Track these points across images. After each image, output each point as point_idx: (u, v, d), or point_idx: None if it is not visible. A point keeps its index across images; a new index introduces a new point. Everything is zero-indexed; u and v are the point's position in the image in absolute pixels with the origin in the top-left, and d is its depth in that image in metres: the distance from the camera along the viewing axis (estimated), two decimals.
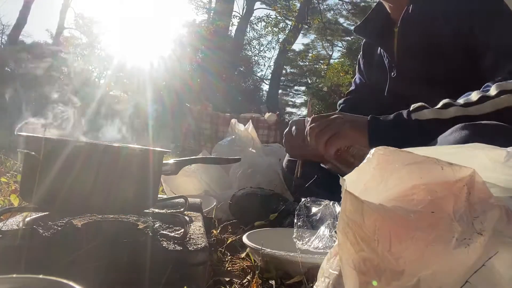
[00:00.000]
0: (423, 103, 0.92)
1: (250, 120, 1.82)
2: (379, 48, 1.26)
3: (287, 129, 1.23)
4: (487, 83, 0.91)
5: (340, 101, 1.44)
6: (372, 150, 0.41)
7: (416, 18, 1.09)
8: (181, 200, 0.86)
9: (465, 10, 1.00)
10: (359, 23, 1.29)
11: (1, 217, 0.73)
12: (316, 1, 14.66)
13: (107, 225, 0.70)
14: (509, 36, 0.95)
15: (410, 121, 0.91)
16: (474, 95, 0.88)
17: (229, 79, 12.09)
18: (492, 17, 0.98)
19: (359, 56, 1.40)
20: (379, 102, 1.22)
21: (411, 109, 0.92)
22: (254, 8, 14.99)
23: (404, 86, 1.15)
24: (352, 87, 1.44)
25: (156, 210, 0.79)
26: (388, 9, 1.20)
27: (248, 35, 16.35)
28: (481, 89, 0.89)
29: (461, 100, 0.89)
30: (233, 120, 1.72)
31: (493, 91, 0.86)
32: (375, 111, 0.99)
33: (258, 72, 17.36)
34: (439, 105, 0.90)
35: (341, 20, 16.84)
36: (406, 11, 1.11)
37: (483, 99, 0.86)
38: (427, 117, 0.89)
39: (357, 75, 1.43)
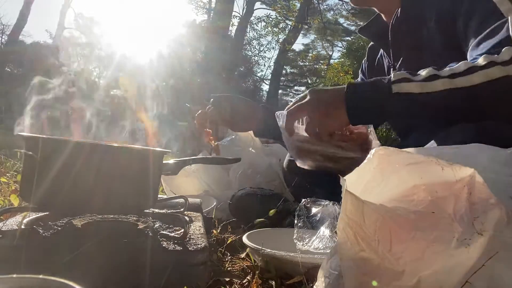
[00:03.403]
0: (404, 73, 0.83)
1: None
2: (381, 50, 1.28)
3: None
4: (474, 57, 0.85)
5: None
6: (373, 150, 0.41)
7: (404, 22, 1.10)
8: (181, 200, 0.86)
9: (448, 8, 0.99)
10: (364, 24, 1.31)
11: (1, 217, 0.73)
12: (316, 1, 14.66)
13: (107, 225, 0.70)
14: (489, 20, 0.89)
15: (387, 95, 0.82)
16: (462, 65, 0.81)
17: (229, 79, 12.09)
18: (473, 5, 0.94)
19: (364, 60, 1.43)
20: None
21: (392, 79, 0.83)
22: (254, 8, 14.99)
23: None
24: None
25: (156, 210, 0.79)
26: (383, 17, 1.22)
27: (248, 35, 16.38)
28: (468, 61, 0.83)
29: (447, 70, 0.82)
30: None
31: (482, 61, 0.79)
32: None
33: (258, 72, 17.38)
34: (422, 76, 0.82)
35: (341, 20, 16.87)
36: (395, 16, 1.12)
37: (472, 70, 0.79)
38: (406, 90, 0.81)
39: (359, 76, 1.45)
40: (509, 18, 0.83)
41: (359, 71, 1.47)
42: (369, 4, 1.22)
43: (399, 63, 1.17)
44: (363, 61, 1.42)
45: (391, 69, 1.20)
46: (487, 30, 0.88)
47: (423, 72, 0.83)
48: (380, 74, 1.24)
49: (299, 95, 0.93)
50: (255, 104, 1.26)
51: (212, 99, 1.23)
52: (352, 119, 0.85)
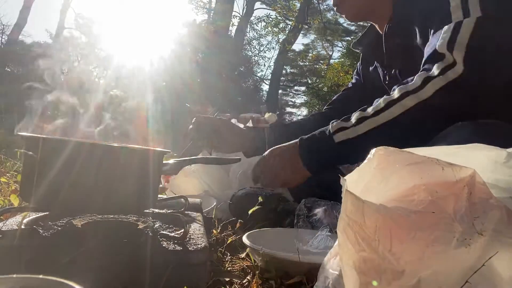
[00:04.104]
0: (339, 122, 0.96)
1: (250, 120, 1.81)
2: (375, 62, 1.30)
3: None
4: (395, 86, 0.93)
5: (334, 98, 1.49)
6: (373, 150, 0.41)
7: (396, 31, 1.11)
8: (181, 200, 0.86)
9: (427, 15, 0.99)
10: (357, 38, 1.34)
11: (1, 217, 0.73)
12: (316, 1, 14.66)
13: (107, 225, 0.70)
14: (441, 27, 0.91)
15: (333, 146, 0.95)
16: (382, 101, 0.91)
17: (229, 79, 12.09)
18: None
19: (358, 63, 1.44)
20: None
21: (331, 131, 0.96)
22: (254, 8, 14.99)
23: None
24: (349, 85, 1.47)
25: (156, 210, 0.79)
26: (376, 27, 1.22)
27: (248, 35, 16.37)
28: (388, 94, 0.93)
29: (370, 109, 0.92)
30: (233, 120, 1.72)
31: (396, 93, 0.89)
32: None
33: (258, 72, 17.37)
34: (353, 121, 0.93)
35: (341, 20, 16.81)
36: (388, 27, 1.13)
37: (390, 104, 0.89)
38: (345, 137, 0.94)
39: (354, 77, 1.46)
40: (443, 28, 0.86)
41: (354, 72, 1.47)
42: (363, 18, 1.23)
43: (393, 71, 1.18)
44: (358, 64, 1.44)
45: (387, 77, 1.21)
46: (430, 39, 0.93)
47: (353, 117, 0.94)
48: (376, 82, 1.27)
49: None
50: (237, 127, 1.27)
51: (194, 119, 1.24)
52: (311, 171, 1.01)
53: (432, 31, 0.93)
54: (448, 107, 0.84)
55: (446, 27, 0.86)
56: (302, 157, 1.00)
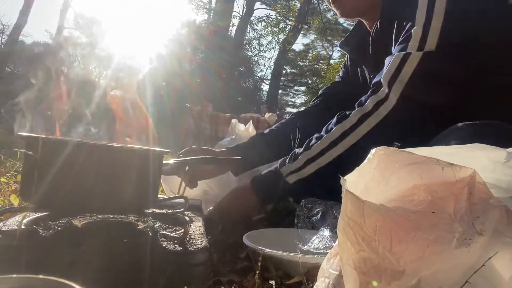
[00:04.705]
0: (287, 166, 1.02)
1: (251, 120, 1.81)
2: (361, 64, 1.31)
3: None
4: (333, 119, 1.00)
5: (320, 92, 1.50)
6: (373, 150, 0.41)
7: (383, 34, 1.11)
8: (181, 200, 0.86)
9: (399, 27, 1.01)
10: (343, 38, 1.36)
11: (1, 217, 0.73)
12: (316, 1, 14.65)
13: (107, 225, 0.70)
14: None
15: (288, 186, 1.01)
16: (324, 140, 0.98)
17: (229, 79, 12.09)
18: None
19: (347, 56, 1.44)
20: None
21: (282, 174, 1.02)
22: (254, 8, 14.99)
23: None
24: (337, 79, 1.48)
25: (156, 210, 0.79)
26: (366, 26, 1.22)
27: (248, 35, 16.37)
28: (326, 128, 1.00)
29: (314, 149, 0.99)
30: (234, 120, 1.72)
31: (336, 133, 0.96)
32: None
33: (258, 72, 17.37)
34: (301, 162, 1.00)
35: (341, 20, 16.82)
36: (375, 26, 1.14)
37: (332, 144, 0.96)
38: (297, 178, 1.00)
39: (341, 70, 1.46)
40: (394, 56, 0.91)
41: (342, 65, 1.48)
42: (356, 16, 1.23)
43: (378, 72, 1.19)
44: (346, 58, 1.44)
45: (373, 78, 1.22)
46: (385, 61, 0.97)
47: (300, 157, 1.00)
48: (362, 80, 1.28)
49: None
50: (223, 152, 1.26)
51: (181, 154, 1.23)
52: (263, 203, 1.06)
53: (397, 44, 0.97)
54: (385, 139, 0.88)
55: (396, 55, 0.91)
56: (256, 193, 1.05)
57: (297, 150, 1.04)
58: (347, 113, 0.97)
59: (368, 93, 0.97)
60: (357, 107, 0.96)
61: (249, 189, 1.06)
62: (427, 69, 0.88)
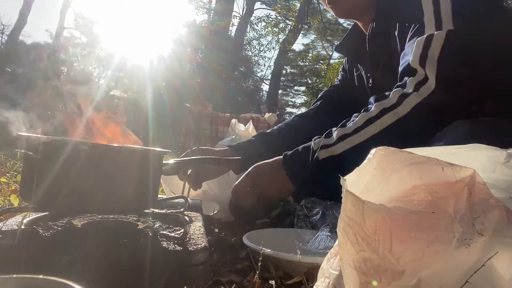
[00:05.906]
0: (321, 139, 0.99)
1: (251, 120, 1.81)
2: (358, 65, 1.31)
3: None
4: (371, 99, 0.97)
5: (320, 95, 1.50)
6: (373, 150, 0.41)
7: (378, 34, 1.12)
8: (181, 200, 0.86)
9: (403, 23, 1.00)
10: (339, 41, 1.37)
11: (1, 217, 0.73)
12: (316, 1, 14.65)
13: (107, 225, 0.70)
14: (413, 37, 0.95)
15: (317, 163, 0.97)
16: (361, 118, 0.94)
17: (229, 79, 12.10)
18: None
19: (345, 59, 1.44)
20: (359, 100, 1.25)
21: (314, 148, 0.99)
22: (254, 8, 15.00)
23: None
24: (336, 82, 1.48)
25: (156, 210, 0.79)
26: (362, 28, 1.23)
27: (248, 35, 16.37)
28: (364, 109, 0.96)
29: (350, 126, 0.95)
30: (234, 120, 1.72)
31: (374, 110, 0.93)
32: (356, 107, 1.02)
33: (258, 72, 17.38)
34: (334, 139, 0.97)
35: (341, 20, 16.84)
36: (371, 28, 1.14)
37: (369, 121, 0.93)
38: (328, 155, 0.96)
39: (340, 73, 1.47)
40: (415, 41, 0.88)
41: (340, 68, 1.48)
42: (351, 17, 1.23)
43: (376, 73, 1.19)
44: (344, 61, 1.45)
45: (370, 80, 1.22)
46: (405, 48, 0.96)
47: (334, 134, 0.97)
48: (360, 82, 1.28)
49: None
50: (222, 151, 1.26)
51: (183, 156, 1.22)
52: (294, 184, 1.02)
53: (408, 37, 0.95)
54: (425, 122, 0.88)
55: (418, 39, 0.89)
56: (286, 171, 1.01)
57: (333, 128, 1.01)
58: (387, 93, 0.94)
59: (403, 78, 0.93)
60: (395, 88, 0.93)
61: (277, 163, 1.03)
62: (455, 44, 0.87)
